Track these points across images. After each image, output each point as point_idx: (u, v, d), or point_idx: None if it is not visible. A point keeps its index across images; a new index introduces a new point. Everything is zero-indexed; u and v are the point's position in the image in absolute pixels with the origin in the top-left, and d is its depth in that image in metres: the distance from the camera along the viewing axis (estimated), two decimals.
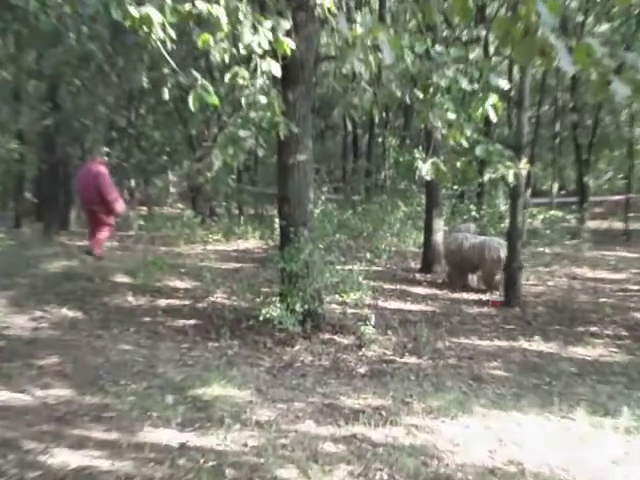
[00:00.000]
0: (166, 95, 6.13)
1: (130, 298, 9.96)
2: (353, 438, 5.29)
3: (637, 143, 25.53)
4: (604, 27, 19.95)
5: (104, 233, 12.60)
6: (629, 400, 6.42)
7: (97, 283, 10.64)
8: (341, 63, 5.76)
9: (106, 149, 15.05)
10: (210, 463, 4.72)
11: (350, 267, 9.59)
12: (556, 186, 21.25)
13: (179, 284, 11.03)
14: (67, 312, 9.00)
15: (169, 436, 5.17)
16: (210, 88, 5.61)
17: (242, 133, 6.14)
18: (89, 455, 4.78)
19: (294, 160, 8.34)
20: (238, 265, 13.22)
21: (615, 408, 6.15)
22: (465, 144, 6.86)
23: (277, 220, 9.60)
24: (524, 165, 7.32)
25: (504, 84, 6.68)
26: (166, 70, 5.79)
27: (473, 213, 16.57)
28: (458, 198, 19.78)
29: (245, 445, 5.06)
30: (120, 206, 12.53)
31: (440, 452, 5.09)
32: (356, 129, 25.35)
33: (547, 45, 3.65)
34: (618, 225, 22.15)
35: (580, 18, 19.94)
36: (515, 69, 19.31)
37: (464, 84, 6.38)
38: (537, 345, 8.58)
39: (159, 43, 5.42)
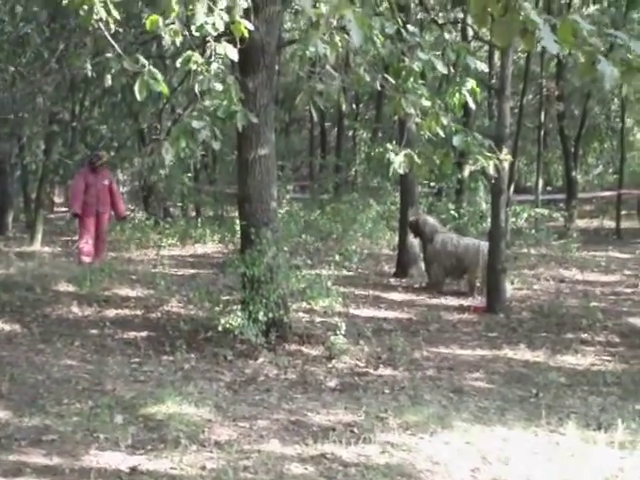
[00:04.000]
0: (109, 81, 6.04)
1: (75, 309, 9.84)
2: (322, 458, 5.26)
3: (629, 134, 25.86)
4: (591, 9, 20.13)
5: (79, 239, 13.28)
6: (623, 413, 6.46)
7: (38, 293, 10.50)
8: (304, 46, 5.73)
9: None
10: None
11: (318, 272, 9.57)
12: (541, 182, 21.40)
13: (130, 293, 10.92)
14: (3, 325, 8.87)
15: (118, 460, 5.10)
16: (159, 75, 5.55)
17: (195, 124, 6.09)
18: None
19: (255, 155, 8.30)
20: (195, 271, 13.15)
21: (608, 421, 6.18)
22: (442, 134, 6.87)
23: (238, 222, 9.54)
24: (506, 156, 7.34)
25: (482, 67, 6.69)
26: (109, 55, 5.71)
27: (452, 212, 16.62)
28: (435, 196, 19.86)
29: (203, 468, 5.01)
30: (75, 208, 12.89)
31: (418, 472, 5.08)
32: (324, 121, 25.37)
33: (529, 23, 3.65)
34: (609, 224, 22.38)
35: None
36: (496, 55, 19.43)
37: (439, 66, 6.39)
38: (523, 354, 8.62)
39: (102, 25, 5.35)
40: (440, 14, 16.89)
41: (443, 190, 19.93)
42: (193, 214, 22.34)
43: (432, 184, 18.89)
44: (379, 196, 18.52)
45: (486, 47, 21.69)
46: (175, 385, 6.81)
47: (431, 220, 12.51)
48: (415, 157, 6.54)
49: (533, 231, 17.22)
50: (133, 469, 4.95)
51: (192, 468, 5.00)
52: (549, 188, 24.71)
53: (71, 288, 10.91)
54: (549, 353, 8.65)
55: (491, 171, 7.27)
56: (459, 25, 17.14)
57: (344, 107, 7.41)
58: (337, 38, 5.54)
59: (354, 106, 25.58)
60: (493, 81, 18.56)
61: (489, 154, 7.12)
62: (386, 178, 18.72)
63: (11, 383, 6.71)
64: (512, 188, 17.55)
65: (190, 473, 4.92)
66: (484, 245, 11.44)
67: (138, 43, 9.17)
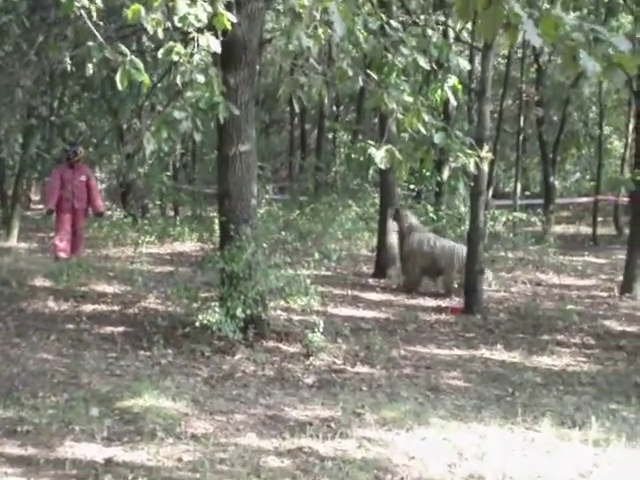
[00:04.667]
0: (90, 71, 6.00)
1: (51, 303, 9.77)
2: (299, 451, 5.25)
3: (606, 142, 26.04)
4: (572, 16, 20.29)
5: (55, 235, 13.34)
6: (597, 411, 6.53)
7: (14, 287, 10.42)
8: (287, 39, 5.73)
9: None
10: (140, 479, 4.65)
11: (297, 270, 9.56)
12: (519, 187, 21.52)
13: (107, 289, 10.87)
14: None
15: (93, 451, 5.07)
16: (140, 65, 5.52)
17: (177, 114, 6.08)
18: (0, 472, 4.66)
19: (236, 151, 8.28)
20: (173, 268, 13.08)
21: (583, 420, 6.24)
22: (423, 130, 6.87)
23: (217, 221, 9.50)
24: (486, 154, 7.37)
25: (464, 64, 6.72)
26: (91, 43, 5.66)
27: (431, 214, 16.65)
28: (414, 198, 19.86)
29: (179, 460, 4.99)
30: (50, 204, 13.16)
31: (394, 466, 5.08)
32: (304, 123, 25.35)
33: (512, 16, 3.67)
34: (586, 230, 22.54)
35: (546, 5, 20.25)
36: (477, 59, 19.50)
37: (422, 62, 6.41)
38: (499, 354, 8.66)
39: (83, 13, 5.32)
40: (422, 17, 16.92)
41: (422, 192, 19.94)
42: (171, 213, 22.26)
43: (412, 186, 18.89)
44: (358, 197, 18.53)
45: (467, 52, 21.77)
46: (152, 379, 6.77)
47: (412, 217, 12.48)
48: (396, 153, 6.55)
49: (511, 235, 17.30)
50: (109, 460, 4.92)
51: (168, 460, 4.98)
52: (527, 193, 24.84)
53: (47, 283, 10.84)
54: (525, 354, 8.69)
55: (472, 168, 7.29)
56: (440, 28, 17.15)
57: (326, 101, 7.40)
58: (320, 31, 5.55)
59: (335, 108, 25.58)
60: (473, 85, 18.65)
61: (470, 152, 7.14)
62: (366, 179, 18.75)
63: None
64: (491, 192, 17.61)
65: (166, 465, 4.90)
66: (460, 248, 11.49)
67: (118, 37, 9.11)
